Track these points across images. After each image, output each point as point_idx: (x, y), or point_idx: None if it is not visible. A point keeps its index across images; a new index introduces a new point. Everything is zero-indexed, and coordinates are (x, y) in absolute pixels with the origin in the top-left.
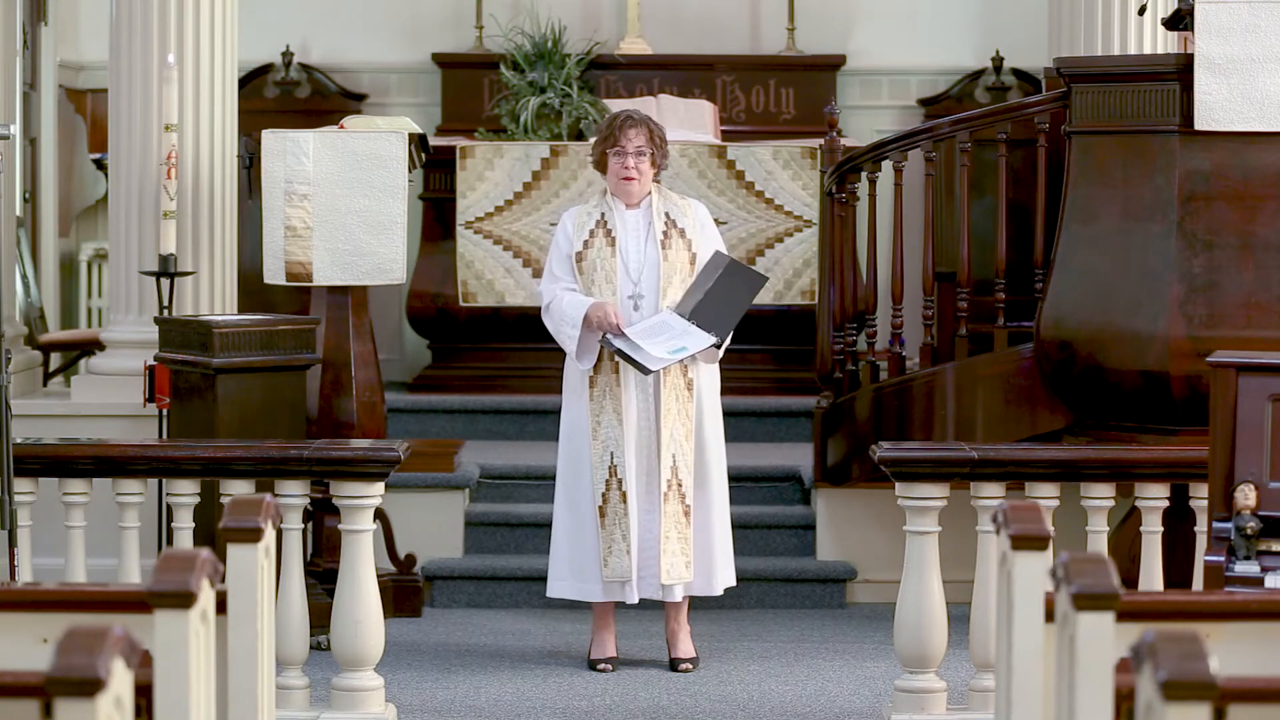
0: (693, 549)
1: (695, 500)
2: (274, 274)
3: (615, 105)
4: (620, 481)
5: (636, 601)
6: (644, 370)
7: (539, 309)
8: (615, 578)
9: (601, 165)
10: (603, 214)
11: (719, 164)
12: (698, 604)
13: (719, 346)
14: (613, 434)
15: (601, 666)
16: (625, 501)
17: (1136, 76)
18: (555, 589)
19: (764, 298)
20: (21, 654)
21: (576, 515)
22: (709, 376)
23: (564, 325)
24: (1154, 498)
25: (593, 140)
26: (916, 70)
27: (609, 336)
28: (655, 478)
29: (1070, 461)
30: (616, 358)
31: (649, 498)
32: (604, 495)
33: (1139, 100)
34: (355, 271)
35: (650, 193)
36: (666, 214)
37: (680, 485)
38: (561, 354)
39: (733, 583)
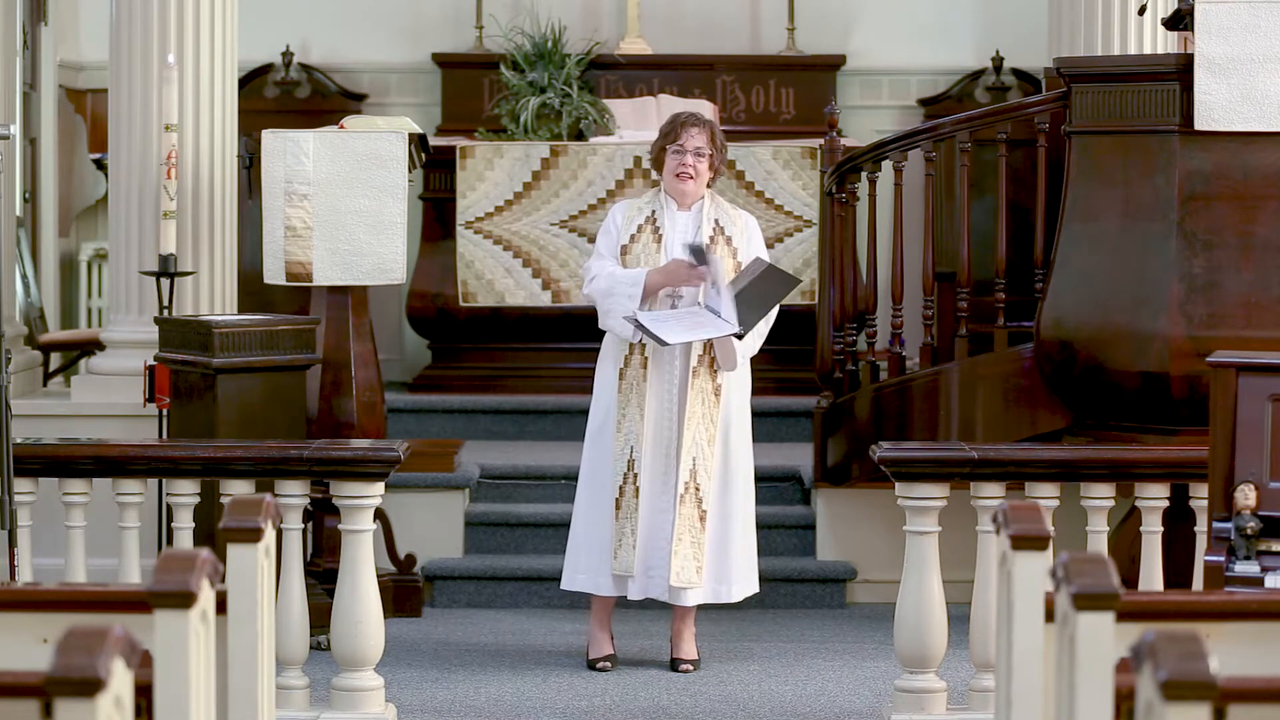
0: (709, 554)
1: (717, 506)
2: (274, 274)
3: (615, 105)
4: (635, 476)
5: (639, 598)
6: (660, 342)
7: (539, 309)
8: (621, 571)
9: (659, 162)
10: (654, 211)
11: None
12: (702, 604)
13: (739, 338)
14: (634, 429)
15: (600, 665)
16: (638, 497)
17: (1136, 76)
18: (570, 581)
19: None
20: (21, 654)
21: (596, 509)
22: (739, 383)
23: (621, 285)
24: (1154, 498)
25: (595, 140)
26: (916, 70)
27: (635, 312)
28: (671, 477)
29: (1070, 461)
30: (638, 331)
31: (663, 496)
32: (620, 488)
33: (1139, 100)
34: (355, 271)
35: (704, 198)
36: (716, 220)
37: (698, 489)
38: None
39: (754, 590)
